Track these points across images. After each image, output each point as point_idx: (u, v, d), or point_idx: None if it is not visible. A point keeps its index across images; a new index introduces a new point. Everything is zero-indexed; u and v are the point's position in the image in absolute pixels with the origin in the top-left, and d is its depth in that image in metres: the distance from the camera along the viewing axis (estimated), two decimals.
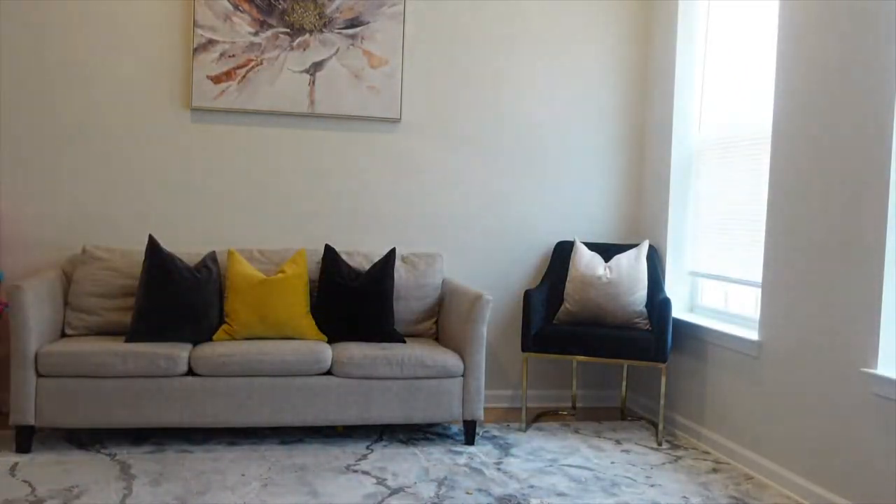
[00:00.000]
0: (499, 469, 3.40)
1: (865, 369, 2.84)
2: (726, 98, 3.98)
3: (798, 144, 3.24)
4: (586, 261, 4.11)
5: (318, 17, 4.13)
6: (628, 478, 3.35)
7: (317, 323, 3.81)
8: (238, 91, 4.08)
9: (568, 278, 4.14)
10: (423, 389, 3.62)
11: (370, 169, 4.29)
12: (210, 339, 3.66)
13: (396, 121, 4.27)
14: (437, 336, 4.09)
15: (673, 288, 4.26)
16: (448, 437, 3.83)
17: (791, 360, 3.25)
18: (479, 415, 3.69)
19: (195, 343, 3.61)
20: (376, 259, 4.05)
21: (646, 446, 3.81)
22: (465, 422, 3.72)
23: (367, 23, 4.18)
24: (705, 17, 4.21)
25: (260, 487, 3.06)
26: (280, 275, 3.78)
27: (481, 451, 3.63)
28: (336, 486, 3.10)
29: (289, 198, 4.21)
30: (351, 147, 4.26)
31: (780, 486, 3.27)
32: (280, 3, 4.09)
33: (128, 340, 3.52)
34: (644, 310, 4.01)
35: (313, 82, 4.15)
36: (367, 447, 3.61)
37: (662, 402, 3.85)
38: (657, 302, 3.90)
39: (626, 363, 3.89)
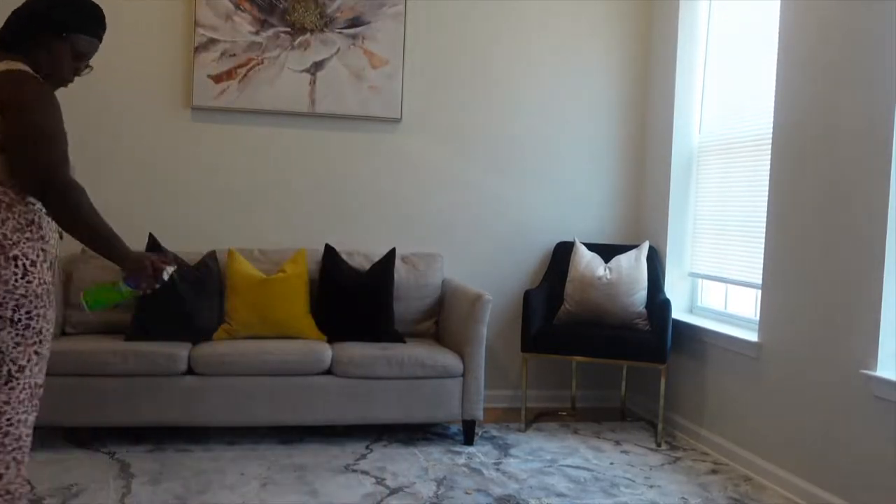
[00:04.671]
0: (498, 469, 3.40)
1: (865, 371, 2.84)
2: (726, 98, 3.98)
3: (798, 145, 3.24)
4: (586, 261, 4.11)
5: (318, 16, 4.13)
6: (627, 478, 3.35)
7: (317, 323, 3.81)
8: (239, 90, 4.08)
9: (568, 278, 4.14)
10: (422, 389, 3.62)
11: (370, 169, 4.29)
12: (210, 339, 3.66)
13: (397, 121, 4.27)
14: (437, 336, 4.09)
15: (673, 289, 4.26)
16: (447, 437, 3.83)
17: (791, 361, 3.25)
18: (479, 415, 3.69)
19: (195, 342, 3.61)
20: (376, 259, 4.05)
21: (645, 447, 3.81)
22: (464, 422, 3.73)
23: (368, 23, 4.18)
24: (706, 17, 4.21)
25: (259, 487, 3.07)
26: (280, 274, 3.78)
27: (480, 451, 3.63)
28: (335, 486, 3.10)
29: (289, 197, 4.21)
30: (351, 147, 4.26)
31: (780, 488, 3.27)
32: (281, 3, 4.09)
33: (128, 339, 3.53)
34: (644, 310, 4.01)
35: (314, 82, 4.15)
36: (367, 447, 3.61)
37: (662, 402, 3.85)
38: (657, 302, 3.91)
39: (625, 364, 3.89)
